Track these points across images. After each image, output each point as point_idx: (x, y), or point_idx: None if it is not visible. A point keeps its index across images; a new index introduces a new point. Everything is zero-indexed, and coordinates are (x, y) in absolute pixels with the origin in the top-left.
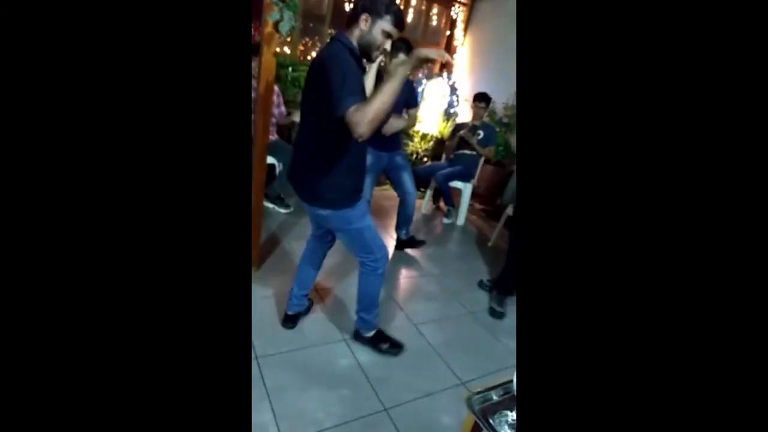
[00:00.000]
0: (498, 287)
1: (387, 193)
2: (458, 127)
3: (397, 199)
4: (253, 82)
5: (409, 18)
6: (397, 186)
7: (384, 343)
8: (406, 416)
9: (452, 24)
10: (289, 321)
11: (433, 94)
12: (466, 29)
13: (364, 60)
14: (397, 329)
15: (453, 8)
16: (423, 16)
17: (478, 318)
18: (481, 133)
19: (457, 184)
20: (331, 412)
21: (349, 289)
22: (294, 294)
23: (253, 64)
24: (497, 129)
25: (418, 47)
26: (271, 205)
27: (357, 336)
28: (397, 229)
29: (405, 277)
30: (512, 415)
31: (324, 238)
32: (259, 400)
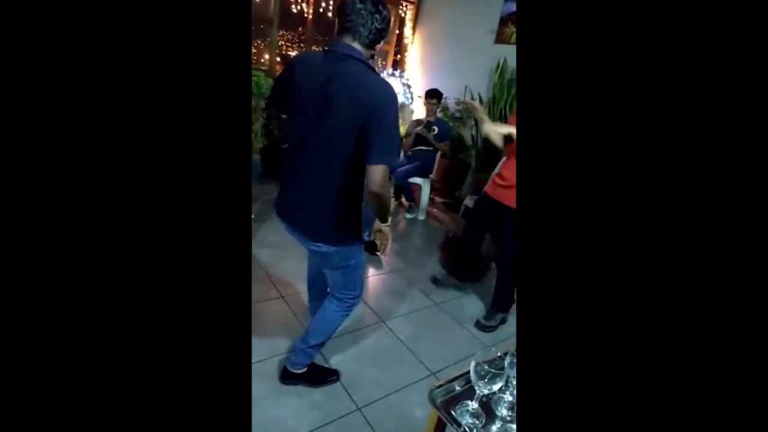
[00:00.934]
0: (494, 302)
1: None
2: (414, 124)
3: None
4: None
5: None
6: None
7: (318, 376)
8: (380, 413)
9: (401, 22)
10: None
11: None
12: (414, 27)
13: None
14: (366, 328)
15: (401, 7)
16: None
17: (444, 309)
18: (436, 129)
19: (416, 180)
20: (304, 418)
21: None
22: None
23: None
24: (450, 124)
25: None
26: None
27: (286, 375)
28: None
29: (371, 275)
30: (473, 404)
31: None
32: None
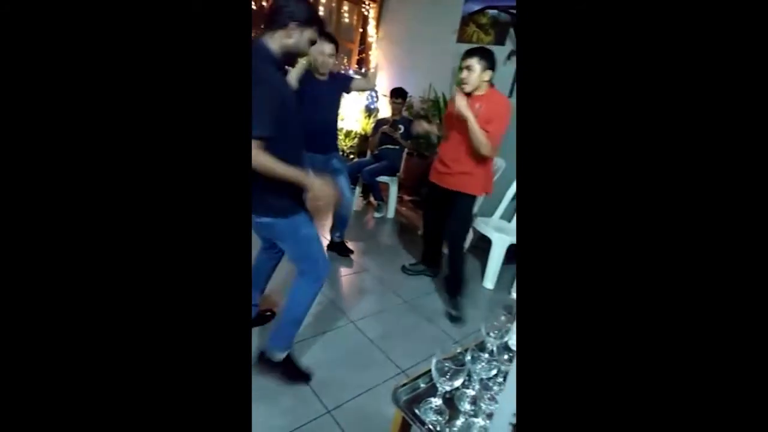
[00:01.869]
0: (448, 289)
1: None
2: (380, 123)
3: None
4: None
5: (321, 16)
6: None
7: (292, 374)
8: (350, 414)
9: (365, 20)
10: None
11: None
12: (378, 25)
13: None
14: (336, 329)
15: (363, 5)
16: (334, 13)
17: (413, 306)
18: (402, 128)
19: (383, 178)
20: (274, 424)
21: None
22: None
23: None
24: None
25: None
26: None
27: (262, 360)
28: (331, 231)
29: (341, 275)
30: (435, 401)
31: (272, 250)
32: None
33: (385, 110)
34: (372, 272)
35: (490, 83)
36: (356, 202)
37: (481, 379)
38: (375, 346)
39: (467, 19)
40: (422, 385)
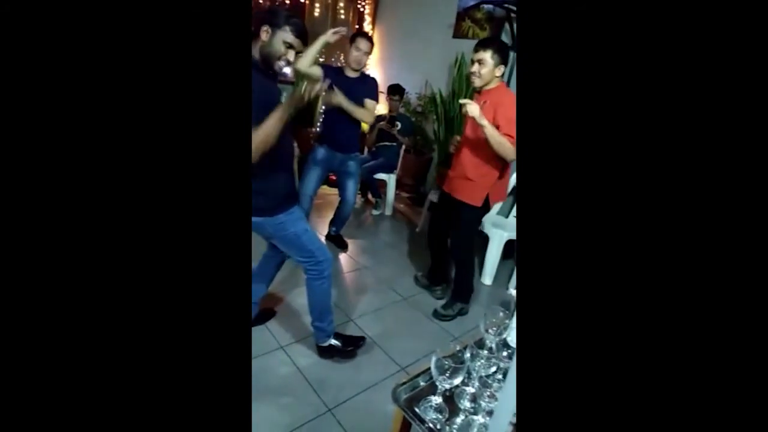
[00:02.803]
0: (455, 295)
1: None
2: (377, 120)
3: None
4: None
5: (317, 13)
6: (341, 190)
7: (346, 345)
8: (350, 412)
9: (360, 17)
10: None
11: None
12: (374, 22)
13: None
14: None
15: (359, 1)
16: (330, 10)
17: (412, 303)
18: (399, 124)
19: (381, 175)
20: (274, 422)
21: (296, 299)
22: None
23: None
24: (413, 119)
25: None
26: None
27: (320, 351)
28: (330, 224)
29: (339, 273)
30: (435, 399)
31: (275, 248)
32: None
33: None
34: (370, 270)
35: (501, 78)
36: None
37: (481, 377)
38: (374, 343)
39: (463, 15)
40: (422, 383)
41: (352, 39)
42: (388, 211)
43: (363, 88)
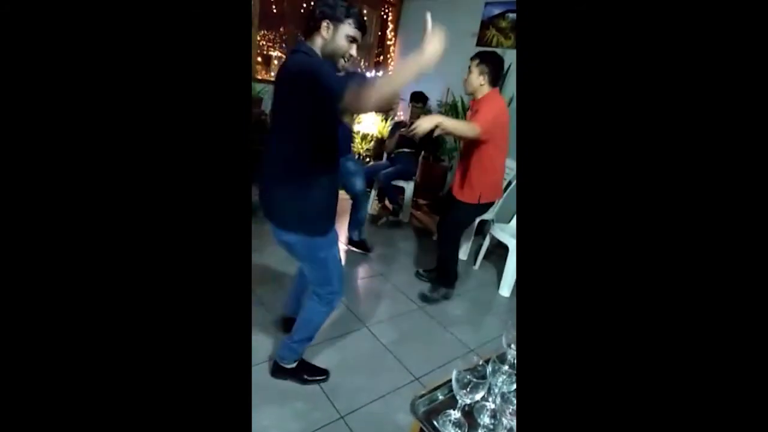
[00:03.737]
0: (439, 279)
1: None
2: (396, 126)
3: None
4: None
5: None
6: (349, 190)
7: (307, 373)
8: (363, 420)
9: (383, 23)
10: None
11: None
12: (396, 29)
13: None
14: (350, 334)
15: (383, 9)
16: None
17: (428, 311)
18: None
19: (399, 182)
20: (286, 428)
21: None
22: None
23: None
24: None
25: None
26: None
27: (276, 370)
28: (350, 230)
29: (355, 279)
30: (455, 414)
31: None
32: None
33: (402, 114)
34: (386, 276)
35: (493, 86)
36: (372, 205)
37: (503, 393)
38: (389, 351)
39: (487, 23)
40: (441, 397)
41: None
42: (405, 218)
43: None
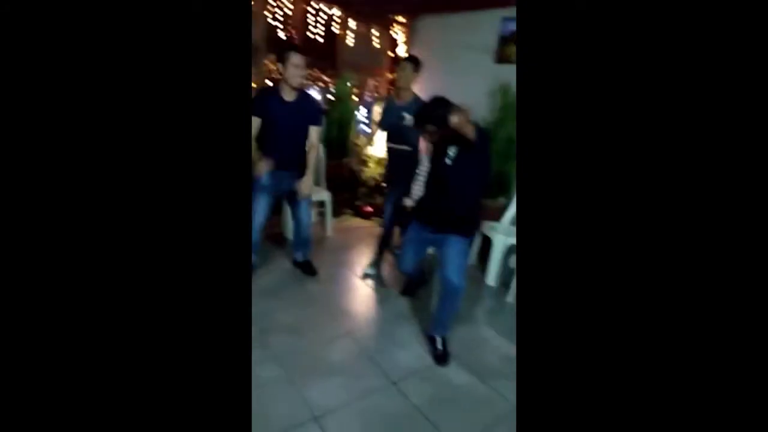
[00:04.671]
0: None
1: (355, 224)
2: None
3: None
4: None
5: (351, 42)
6: (293, 211)
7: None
8: None
9: (394, 45)
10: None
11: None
12: (408, 50)
13: None
14: (371, 394)
15: (392, 28)
16: (364, 38)
17: (464, 361)
18: None
19: None
20: None
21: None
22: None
23: None
24: None
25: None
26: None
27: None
28: (294, 251)
29: (377, 320)
30: None
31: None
32: None
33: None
34: (408, 317)
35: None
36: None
37: None
38: (422, 415)
39: (507, 39)
40: None
41: (281, 55)
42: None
43: (303, 112)
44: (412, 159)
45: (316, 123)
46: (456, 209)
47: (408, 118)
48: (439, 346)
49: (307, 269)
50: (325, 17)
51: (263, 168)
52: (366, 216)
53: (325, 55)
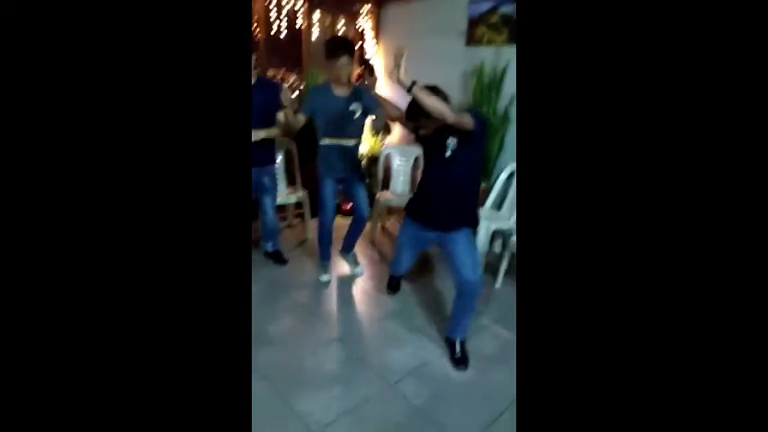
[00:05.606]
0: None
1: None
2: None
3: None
4: None
5: (314, 36)
6: (259, 206)
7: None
8: None
9: (361, 34)
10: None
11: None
12: (377, 36)
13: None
14: (368, 399)
15: (359, 19)
16: (329, 30)
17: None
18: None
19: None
20: None
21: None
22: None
23: None
24: None
25: None
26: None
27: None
28: (263, 242)
29: (365, 321)
30: None
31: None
32: None
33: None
34: (401, 316)
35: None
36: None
37: None
38: (423, 416)
39: (476, 21)
40: None
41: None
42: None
43: (266, 93)
44: (354, 153)
45: (275, 108)
46: (460, 203)
47: (356, 110)
48: (458, 349)
49: (278, 258)
50: (288, 12)
51: None
52: (346, 213)
53: (291, 52)
